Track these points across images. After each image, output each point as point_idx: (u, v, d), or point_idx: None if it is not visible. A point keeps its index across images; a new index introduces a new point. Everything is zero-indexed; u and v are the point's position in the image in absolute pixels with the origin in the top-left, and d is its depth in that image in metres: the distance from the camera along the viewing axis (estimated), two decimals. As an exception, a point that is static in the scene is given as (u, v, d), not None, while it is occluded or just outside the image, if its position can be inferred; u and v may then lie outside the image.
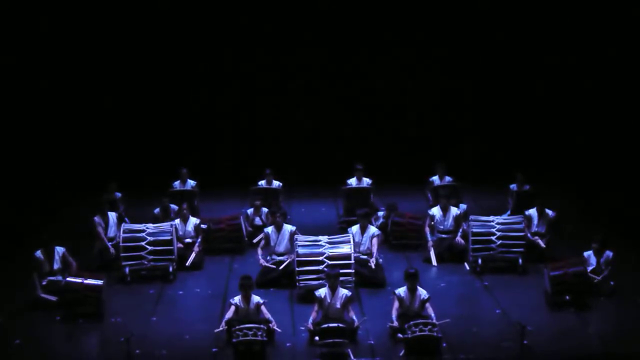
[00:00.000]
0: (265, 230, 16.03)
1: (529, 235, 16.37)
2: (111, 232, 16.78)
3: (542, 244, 16.29)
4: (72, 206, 20.52)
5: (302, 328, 13.19)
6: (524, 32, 22.99)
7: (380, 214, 18.29)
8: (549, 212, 16.76)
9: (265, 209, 18.18)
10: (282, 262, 15.53)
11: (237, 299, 13.20)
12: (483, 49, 23.18)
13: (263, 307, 13.21)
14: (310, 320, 13.14)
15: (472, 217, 16.42)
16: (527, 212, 16.73)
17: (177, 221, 16.90)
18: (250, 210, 18.21)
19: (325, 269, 14.25)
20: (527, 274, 15.80)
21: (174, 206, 17.81)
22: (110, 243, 16.62)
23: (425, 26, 23.10)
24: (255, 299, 13.22)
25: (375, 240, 15.68)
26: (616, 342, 13.06)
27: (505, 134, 23.34)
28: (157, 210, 17.91)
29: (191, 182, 19.66)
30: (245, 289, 13.19)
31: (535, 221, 16.68)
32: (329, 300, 13.20)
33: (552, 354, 12.68)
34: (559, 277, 14.25)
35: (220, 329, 13.05)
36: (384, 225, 17.76)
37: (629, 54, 22.17)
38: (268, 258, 15.83)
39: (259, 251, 15.87)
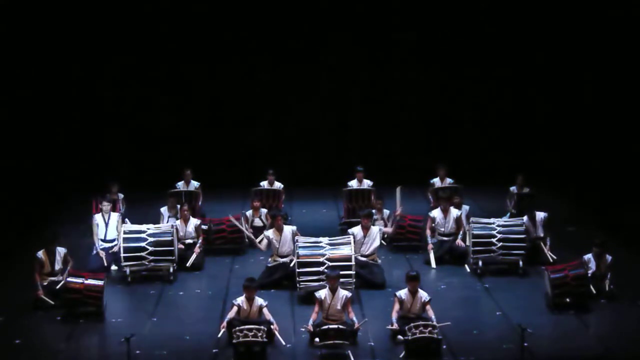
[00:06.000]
0: (266, 233, 16.01)
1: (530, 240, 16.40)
2: (112, 233, 16.76)
3: (552, 257, 16.19)
4: (73, 207, 20.50)
5: (303, 329, 13.19)
6: (528, 34, 22.99)
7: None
8: (539, 214, 16.73)
9: (264, 210, 18.18)
10: (285, 264, 15.52)
11: (240, 300, 13.20)
12: (484, 49, 23.16)
13: (265, 310, 13.21)
14: (311, 322, 13.14)
15: (473, 219, 16.44)
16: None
17: (178, 222, 16.90)
18: (249, 212, 18.20)
19: (326, 270, 14.25)
20: (527, 277, 15.80)
21: (177, 206, 17.80)
22: (110, 245, 16.61)
23: (424, 25, 23.08)
24: (259, 301, 13.21)
25: (379, 236, 15.85)
26: (616, 344, 13.06)
27: (506, 135, 23.33)
28: (163, 208, 17.86)
29: (195, 183, 19.68)
30: (250, 291, 13.18)
31: (531, 228, 16.64)
32: (329, 302, 13.20)
33: (552, 356, 12.69)
34: (559, 280, 14.25)
35: (222, 330, 13.04)
36: (384, 226, 17.78)
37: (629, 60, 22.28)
38: (270, 260, 15.81)
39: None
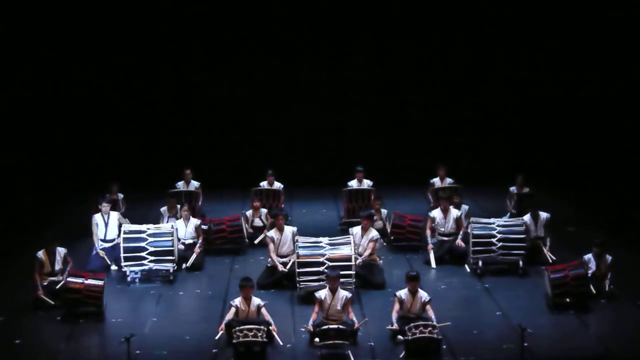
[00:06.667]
0: (269, 234, 16.00)
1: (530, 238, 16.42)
2: (112, 233, 16.75)
3: (551, 257, 16.17)
4: (73, 207, 20.51)
5: (302, 329, 13.19)
6: (528, 34, 23.01)
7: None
8: (543, 214, 16.73)
9: (264, 210, 18.19)
10: (284, 264, 15.49)
11: (237, 301, 13.20)
12: (483, 50, 23.17)
13: (263, 309, 13.20)
14: (311, 322, 13.14)
15: (473, 219, 16.43)
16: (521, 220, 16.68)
17: (178, 222, 16.90)
18: (249, 212, 18.21)
19: (326, 271, 14.25)
20: (527, 277, 15.80)
21: (177, 206, 17.80)
22: (110, 244, 16.60)
23: (424, 26, 23.08)
24: (256, 301, 13.21)
25: (371, 245, 15.65)
26: (616, 344, 13.05)
27: (506, 135, 23.35)
28: (163, 208, 17.86)
29: (195, 183, 19.68)
30: (246, 290, 13.18)
31: (532, 227, 16.63)
32: (329, 302, 13.20)
33: (552, 356, 12.68)
34: (559, 280, 14.26)
35: (220, 332, 13.03)
36: (383, 227, 17.78)
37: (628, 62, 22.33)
38: (269, 260, 15.81)
39: (273, 256, 15.64)
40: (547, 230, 16.67)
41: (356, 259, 15.09)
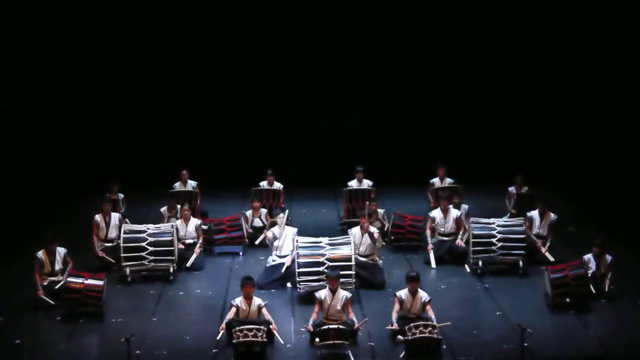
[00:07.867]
0: (271, 230, 16.03)
1: (532, 236, 16.41)
2: (113, 233, 16.76)
3: (551, 258, 16.15)
4: (74, 207, 20.51)
5: (303, 329, 13.19)
6: (527, 33, 23.01)
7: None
8: (551, 214, 16.74)
9: (264, 210, 18.20)
10: (282, 264, 15.52)
11: (238, 300, 13.20)
12: (483, 49, 23.17)
13: (264, 309, 13.20)
14: (311, 322, 13.14)
15: (473, 219, 16.44)
16: (528, 214, 16.72)
17: (178, 222, 16.91)
18: (249, 212, 18.21)
19: (326, 271, 14.26)
20: (527, 276, 15.81)
21: (177, 206, 17.79)
22: (111, 245, 16.60)
23: (424, 26, 23.08)
24: (257, 300, 13.21)
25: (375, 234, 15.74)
26: (616, 344, 13.05)
27: (506, 135, 23.37)
28: (163, 208, 17.86)
29: (192, 183, 19.69)
30: (247, 288, 13.18)
31: (537, 223, 16.66)
32: (329, 302, 13.20)
33: (552, 356, 12.69)
34: (559, 280, 14.26)
35: (221, 332, 13.04)
36: (382, 227, 17.79)
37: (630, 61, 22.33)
38: (269, 260, 15.82)
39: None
40: (551, 231, 16.65)
41: (356, 258, 15.11)
